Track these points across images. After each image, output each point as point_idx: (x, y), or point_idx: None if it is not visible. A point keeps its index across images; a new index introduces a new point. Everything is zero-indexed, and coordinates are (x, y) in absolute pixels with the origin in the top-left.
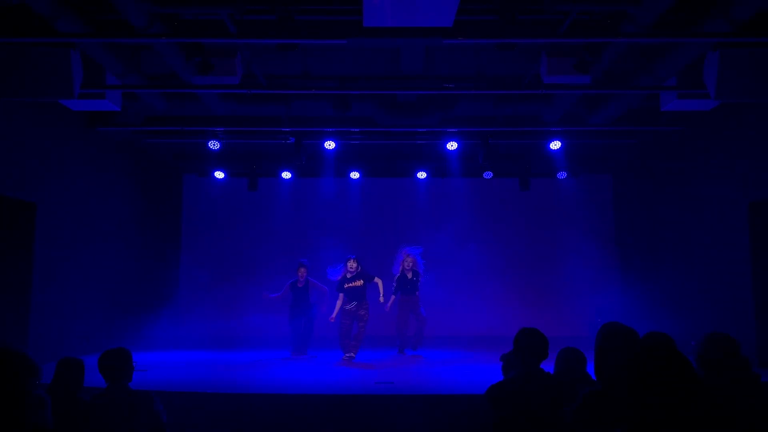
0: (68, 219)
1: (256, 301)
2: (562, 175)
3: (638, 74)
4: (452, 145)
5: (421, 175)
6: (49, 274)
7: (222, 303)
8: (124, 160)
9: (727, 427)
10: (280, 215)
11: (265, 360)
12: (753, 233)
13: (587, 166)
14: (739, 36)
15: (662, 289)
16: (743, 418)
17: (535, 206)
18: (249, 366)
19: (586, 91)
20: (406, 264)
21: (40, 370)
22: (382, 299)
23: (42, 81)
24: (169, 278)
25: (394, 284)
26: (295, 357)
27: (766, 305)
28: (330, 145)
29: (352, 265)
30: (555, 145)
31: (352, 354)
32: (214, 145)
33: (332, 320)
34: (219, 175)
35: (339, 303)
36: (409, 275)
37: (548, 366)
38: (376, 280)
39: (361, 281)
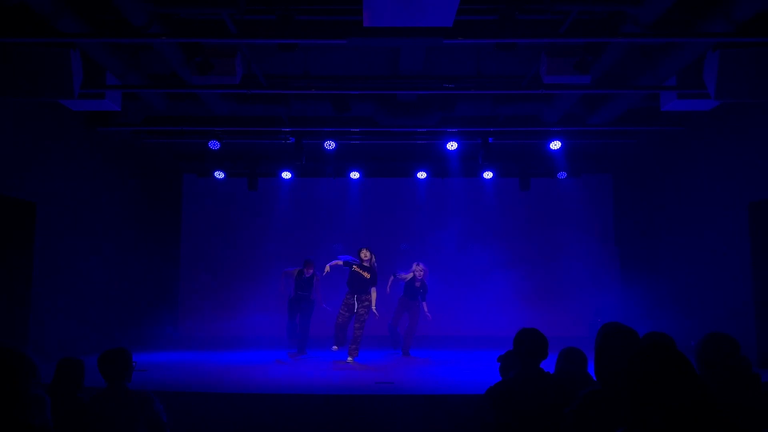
0: (68, 219)
1: (256, 301)
2: (562, 175)
3: (638, 74)
4: (452, 145)
5: (421, 175)
6: (49, 274)
7: (222, 303)
8: (124, 160)
9: (728, 428)
10: (280, 215)
11: (264, 360)
12: (753, 233)
13: (587, 166)
14: (739, 36)
15: (662, 289)
16: (743, 418)
17: (535, 206)
18: (249, 366)
19: (586, 91)
20: (417, 272)
21: (40, 370)
22: (374, 310)
23: (42, 81)
24: (169, 278)
25: (401, 282)
26: (296, 357)
27: (766, 305)
28: (330, 145)
29: (366, 254)
30: (555, 145)
31: (350, 359)
32: (214, 145)
33: (375, 312)
34: (219, 175)
35: (336, 263)
36: (417, 283)
37: (548, 366)
38: (373, 290)
39: (369, 275)
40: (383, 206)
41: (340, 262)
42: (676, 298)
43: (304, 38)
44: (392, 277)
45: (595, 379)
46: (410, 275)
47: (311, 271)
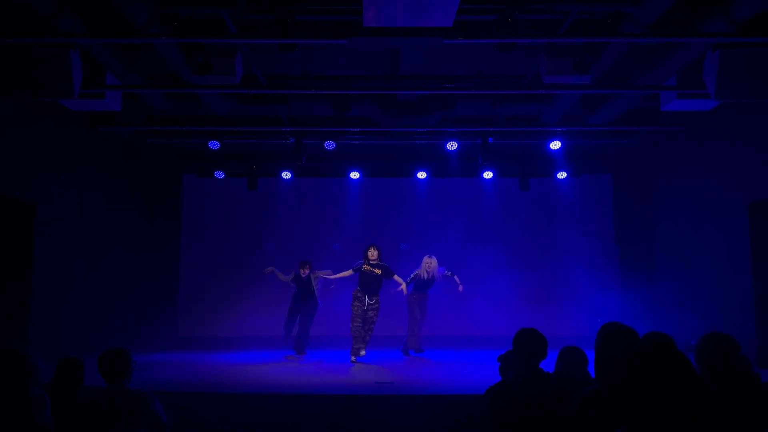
0: (68, 219)
1: (256, 300)
2: (562, 175)
3: (638, 74)
4: (452, 145)
5: (421, 175)
6: (49, 274)
7: (222, 302)
8: (124, 160)
9: (728, 428)
10: (280, 215)
11: (264, 360)
12: (753, 233)
13: (587, 166)
14: (739, 36)
15: (662, 288)
16: (743, 418)
17: (535, 206)
18: (249, 366)
19: (586, 91)
20: (428, 266)
21: (40, 370)
22: (404, 288)
23: (42, 81)
24: (169, 278)
25: (409, 279)
26: (298, 359)
27: (766, 305)
28: (330, 145)
29: (373, 253)
30: (555, 145)
31: (353, 358)
32: (214, 145)
33: (399, 292)
34: (219, 175)
35: (343, 275)
36: (426, 276)
37: (548, 366)
38: (397, 277)
39: (380, 271)
40: (383, 206)
41: (344, 275)
42: (676, 298)
43: (304, 38)
44: (411, 277)
45: (594, 378)
46: (422, 270)
47: (307, 271)
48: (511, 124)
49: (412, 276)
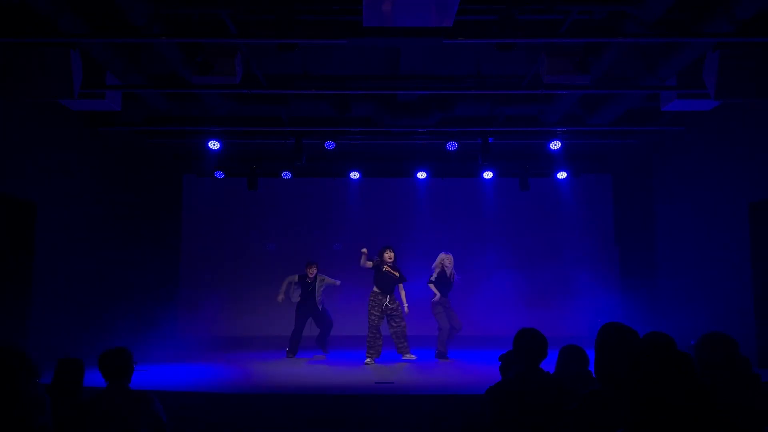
0: (68, 219)
1: (257, 301)
2: (562, 175)
3: (638, 74)
4: (452, 145)
5: (421, 175)
6: (49, 274)
7: (222, 302)
8: (124, 160)
9: (727, 428)
10: (280, 215)
11: (265, 360)
12: (753, 233)
13: (587, 166)
14: (739, 36)
15: (662, 288)
16: (743, 418)
17: (535, 206)
18: (249, 366)
19: (586, 91)
20: (446, 262)
21: (40, 370)
22: (406, 308)
23: (42, 81)
24: (169, 278)
25: (431, 280)
26: (291, 357)
27: (766, 305)
28: (330, 145)
29: (390, 255)
30: (555, 145)
31: (411, 356)
32: (214, 145)
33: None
34: (219, 175)
35: (368, 265)
36: (448, 273)
37: (548, 366)
38: (401, 286)
39: (398, 273)
40: (383, 206)
41: (370, 264)
42: (676, 298)
43: (304, 38)
44: (433, 279)
45: (595, 378)
46: (440, 268)
47: (314, 272)
48: (511, 124)
49: (433, 277)
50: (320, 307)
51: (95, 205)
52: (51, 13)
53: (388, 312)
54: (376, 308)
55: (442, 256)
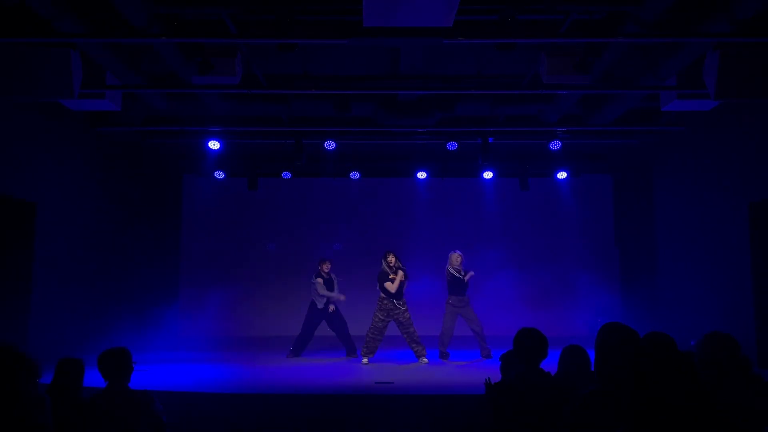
0: (68, 219)
1: (257, 300)
2: (562, 175)
3: (638, 74)
4: (452, 145)
5: (421, 175)
6: (49, 274)
7: (221, 303)
8: (123, 160)
9: (727, 427)
10: (280, 215)
11: (265, 360)
12: (753, 233)
13: (587, 166)
14: (739, 36)
15: (662, 289)
16: (743, 418)
17: (535, 206)
18: (249, 366)
19: (586, 91)
20: (452, 260)
21: (40, 370)
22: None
23: (42, 81)
24: (169, 278)
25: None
26: (291, 359)
27: (766, 305)
28: (330, 145)
29: (392, 259)
30: (555, 145)
31: (424, 360)
32: (214, 145)
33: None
34: (219, 175)
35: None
36: (459, 273)
37: (548, 366)
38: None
39: (400, 277)
40: (383, 206)
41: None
42: (676, 298)
43: (304, 38)
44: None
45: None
46: (454, 267)
47: (329, 266)
48: (511, 124)
49: (448, 277)
50: (333, 307)
51: (95, 205)
52: (50, 13)
53: (395, 317)
54: (382, 311)
55: (449, 255)
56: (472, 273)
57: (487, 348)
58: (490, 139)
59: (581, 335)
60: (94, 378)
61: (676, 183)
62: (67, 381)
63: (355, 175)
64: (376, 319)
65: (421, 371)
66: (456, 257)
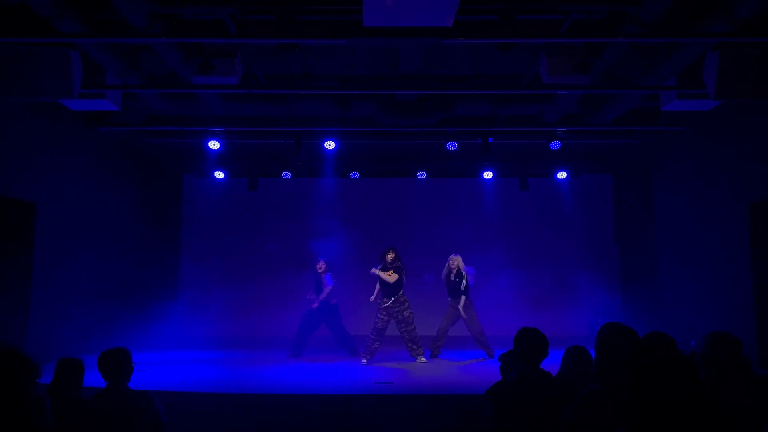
0: (68, 219)
1: (256, 300)
2: (562, 175)
3: (638, 74)
4: (452, 145)
5: (421, 175)
6: (49, 274)
7: (222, 303)
8: (123, 160)
9: (727, 428)
10: (280, 215)
11: (265, 360)
12: (753, 233)
13: (587, 166)
14: (739, 36)
15: (662, 288)
16: (743, 418)
17: (535, 206)
18: (249, 366)
19: (586, 91)
20: (450, 263)
21: (40, 370)
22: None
23: (42, 81)
24: (169, 278)
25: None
26: (292, 359)
27: (766, 305)
28: (330, 145)
29: (391, 256)
30: (555, 145)
31: (422, 359)
32: (214, 145)
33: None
34: (219, 175)
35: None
36: (451, 276)
37: (548, 366)
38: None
39: (396, 274)
40: (383, 206)
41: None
42: (676, 298)
43: (304, 38)
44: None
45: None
46: (450, 270)
47: (324, 266)
48: (511, 124)
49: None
50: (337, 308)
51: (95, 205)
52: (50, 13)
53: (395, 316)
54: (382, 311)
55: (450, 259)
56: (467, 274)
57: (490, 349)
58: (490, 139)
59: (581, 335)
60: (94, 378)
61: (676, 183)
62: (67, 381)
63: (355, 175)
64: (377, 319)
65: (420, 371)
66: (451, 261)
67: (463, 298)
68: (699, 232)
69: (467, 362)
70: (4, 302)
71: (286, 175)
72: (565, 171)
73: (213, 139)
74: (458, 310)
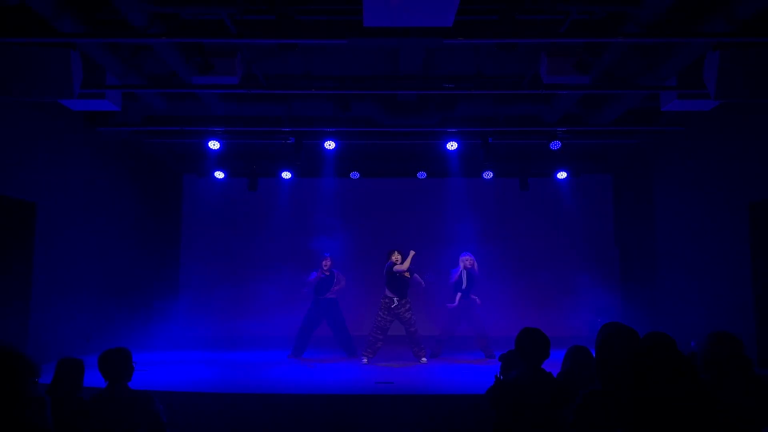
0: (68, 219)
1: (256, 300)
2: (562, 175)
3: (638, 74)
4: (452, 145)
5: (421, 175)
6: (49, 274)
7: (222, 303)
8: (123, 160)
9: (727, 428)
10: (280, 215)
11: (265, 360)
12: (753, 233)
13: (587, 166)
14: (739, 36)
15: (662, 289)
16: (743, 418)
17: (535, 206)
18: (249, 366)
19: (586, 91)
20: (466, 263)
21: (40, 370)
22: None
23: (42, 81)
24: (169, 278)
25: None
26: (293, 359)
27: (766, 305)
28: (330, 145)
29: (397, 257)
30: (555, 145)
31: (424, 360)
32: (214, 145)
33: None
34: (219, 175)
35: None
36: (456, 276)
37: (549, 366)
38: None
39: (409, 274)
40: (383, 206)
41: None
42: (676, 298)
43: (304, 38)
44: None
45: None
46: (461, 271)
47: (329, 263)
48: (511, 124)
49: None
50: (338, 305)
51: (95, 205)
52: (50, 13)
53: (399, 316)
54: (384, 309)
55: (462, 260)
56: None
57: (489, 349)
58: (490, 139)
59: (581, 335)
60: (94, 378)
61: (676, 183)
62: (67, 381)
63: (355, 175)
64: (379, 318)
65: (421, 371)
66: (466, 260)
67: (459, 295)
68: (699, 232)
69: (467, 362)
70: (4, 302)
71: (286, 175)
72: (565, 171)
73: (213, 139)
74: (458, 307)
